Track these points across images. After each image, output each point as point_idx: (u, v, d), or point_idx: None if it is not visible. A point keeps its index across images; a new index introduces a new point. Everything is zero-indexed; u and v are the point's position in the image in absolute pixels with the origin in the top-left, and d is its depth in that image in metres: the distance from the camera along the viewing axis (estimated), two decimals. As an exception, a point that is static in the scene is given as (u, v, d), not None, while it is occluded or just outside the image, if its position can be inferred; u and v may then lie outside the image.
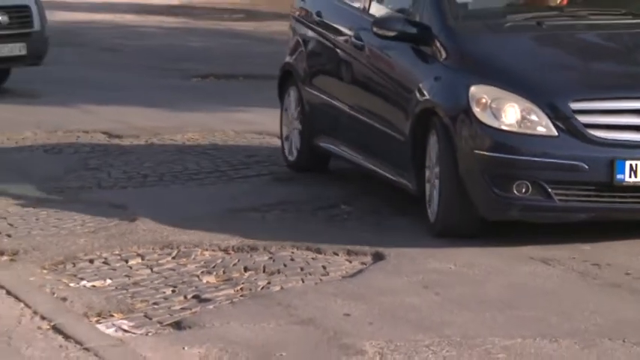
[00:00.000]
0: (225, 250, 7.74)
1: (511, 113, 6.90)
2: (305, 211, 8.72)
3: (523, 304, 6.50)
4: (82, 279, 7.24)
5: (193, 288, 7.03)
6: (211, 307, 6.68)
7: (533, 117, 6.90)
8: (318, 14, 9.34)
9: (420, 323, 6.23)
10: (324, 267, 7.43)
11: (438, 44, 7.53)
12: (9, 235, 8.19)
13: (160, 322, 6.44)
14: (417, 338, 5.96)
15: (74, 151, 10.77)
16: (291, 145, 9.54)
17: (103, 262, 7.58)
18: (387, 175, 8.12)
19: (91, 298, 6.86)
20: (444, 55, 7.50)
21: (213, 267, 7.44)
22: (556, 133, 6.84)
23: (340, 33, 8.88)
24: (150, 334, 6.28)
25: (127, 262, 7.57)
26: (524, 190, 6.79)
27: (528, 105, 6.90)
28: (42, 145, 11.04)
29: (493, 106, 6.94)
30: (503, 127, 6.91)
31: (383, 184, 8.79)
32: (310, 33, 9.57)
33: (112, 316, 6.56)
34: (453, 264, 7.31)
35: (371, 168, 8.30)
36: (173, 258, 7.64)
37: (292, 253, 7.69)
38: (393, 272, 7.23)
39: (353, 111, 8.52)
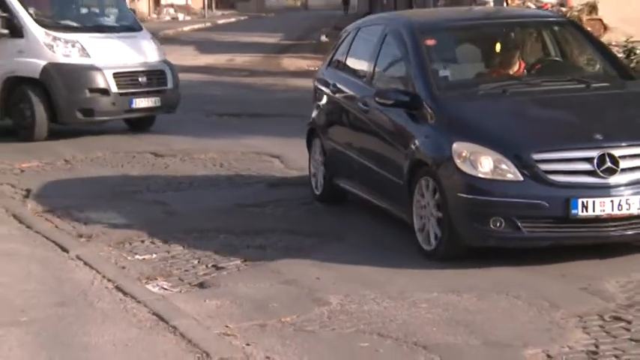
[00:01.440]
0: (235, 233, 7.69)
1: (485, 164, 6.37)
2: (291, 207, 8.67)
3: (438, 269, 6.52)
4: (136, 254, 7.23)
5: (212, 260, 6.99)
6: (225, 273, 6.68)
7: (504, 166, 6.35)
8: (334, 85, 8.57)
9: (369, 283, 6.26)
10: (301, 244, 7.39)
11: (427, 109, 6.95)
12: (86, 224, 8.17)
13: (189, 283, 6.47)
14: (366, 293, 5.99)
15: (131, 166, 10.71)
16: (317, 182, 8.75)
17: (151, 242, 7.56)
18: (390, 209, 7.40)
19: (142, 267, 6.88)
20: (431, 118, 6.92)
21: (226, 245, 7.39)
22: (522, 179, 6.31)
23: (350, 99, 8.20)
24: (182, 291, 6.31)
25: (167, 242, 7.52)
26: (498, 224, 6.24)
27: (499, 157, 6.36)
28: (109, 161, 10.99)
29: (471, 158, 6.40)
30: (480, 175, 6.37)
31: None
32: (328, 98, 8.76)
33: (156, 279, 6.58)
34: (394, 242, 7.29)
35: (378, 204, 7.61)
36: (199, 239, 7.57)
37: (281, 235, 7.63)
38: (351, 248, 7.22)
39: (362, 159, 7.81)
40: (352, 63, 8.62)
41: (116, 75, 11.55)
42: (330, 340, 5.24)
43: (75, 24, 12.18)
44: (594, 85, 7.43)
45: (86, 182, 9.87)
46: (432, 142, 6.80)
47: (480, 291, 5.96)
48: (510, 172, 6.34)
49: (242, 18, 52.96)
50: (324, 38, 30.39)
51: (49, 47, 11.23)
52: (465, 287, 6.05)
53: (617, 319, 5.36)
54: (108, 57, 11.71)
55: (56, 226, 8.02)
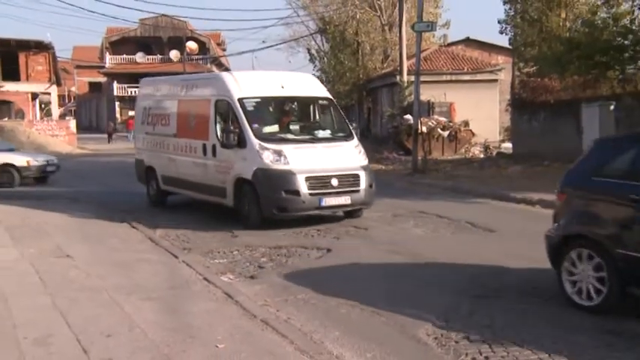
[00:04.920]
0: (270, 247, 7.68)
1: None
2: (306, 236, 8.49)
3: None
4: (215, 259, 7.25)
5: (257, 262, 7.00)
6: (265, 270, 6.68)
7: None
8: (637, 194, 4.61)
9: (345, 275, 6.27)
10: (308, 253, 7.38)
11: None
12: (187, 242, 8.20)
13: (244, 276, 6.48)
14: (343, 282, 5.97)
15: (215, 211, 10.13)
16: (581, 292, 4.98)
17: (223, 252, 7.55)
18: None
19: (218, 266, 6.90)
20: None
21: (265, 254, 7.37)
22: None
23: None
24: (240, 281, 6.31)
25: (232, 252, 7.53)
26: None
27: None
28: (208, 211, 10.43)
29: None
30: None
31: (353, 228, 8.57)
32: (616, 209, 4.79)
33: (226, 273, 6.59)
34: (364, 251, 7.25)
35: None
36: (250, 251, 7.57)
37: (296, 249, 7.61)
38: (337, 256, 7.20)
39: None
40: None
41: (308, 179, 8.69)
42: (324, 308, 5.27)
43: (286, 136, 9.24)
44: None
45: (192, 222, 9.66)
46: None
47: (416, 285, 5.83)
48: None
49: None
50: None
51: (260, 155, 8.80)
52: (403, 278, 6.03)
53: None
54: (305, 163, 8.80)
55: (172, 244, 8.05)
